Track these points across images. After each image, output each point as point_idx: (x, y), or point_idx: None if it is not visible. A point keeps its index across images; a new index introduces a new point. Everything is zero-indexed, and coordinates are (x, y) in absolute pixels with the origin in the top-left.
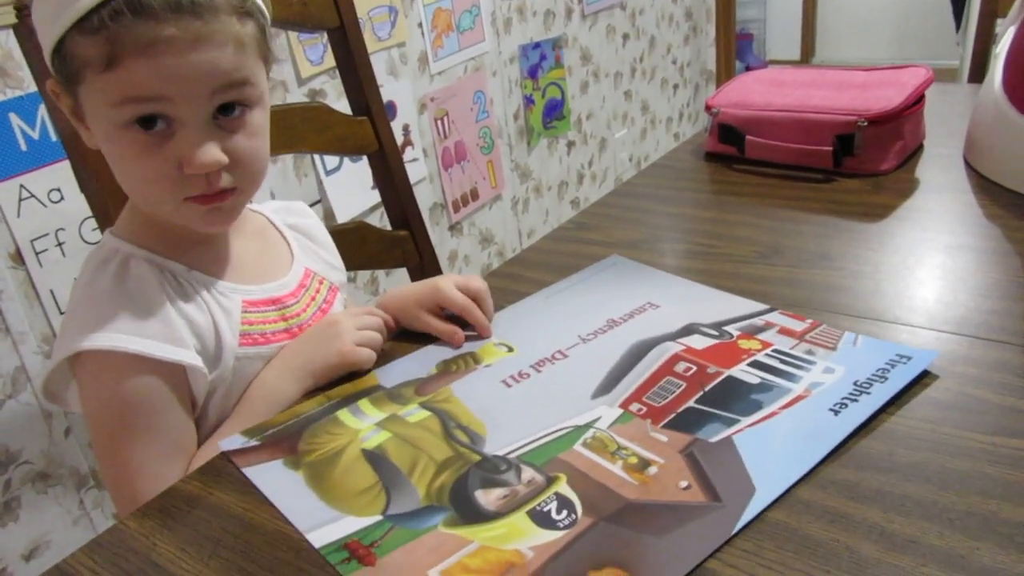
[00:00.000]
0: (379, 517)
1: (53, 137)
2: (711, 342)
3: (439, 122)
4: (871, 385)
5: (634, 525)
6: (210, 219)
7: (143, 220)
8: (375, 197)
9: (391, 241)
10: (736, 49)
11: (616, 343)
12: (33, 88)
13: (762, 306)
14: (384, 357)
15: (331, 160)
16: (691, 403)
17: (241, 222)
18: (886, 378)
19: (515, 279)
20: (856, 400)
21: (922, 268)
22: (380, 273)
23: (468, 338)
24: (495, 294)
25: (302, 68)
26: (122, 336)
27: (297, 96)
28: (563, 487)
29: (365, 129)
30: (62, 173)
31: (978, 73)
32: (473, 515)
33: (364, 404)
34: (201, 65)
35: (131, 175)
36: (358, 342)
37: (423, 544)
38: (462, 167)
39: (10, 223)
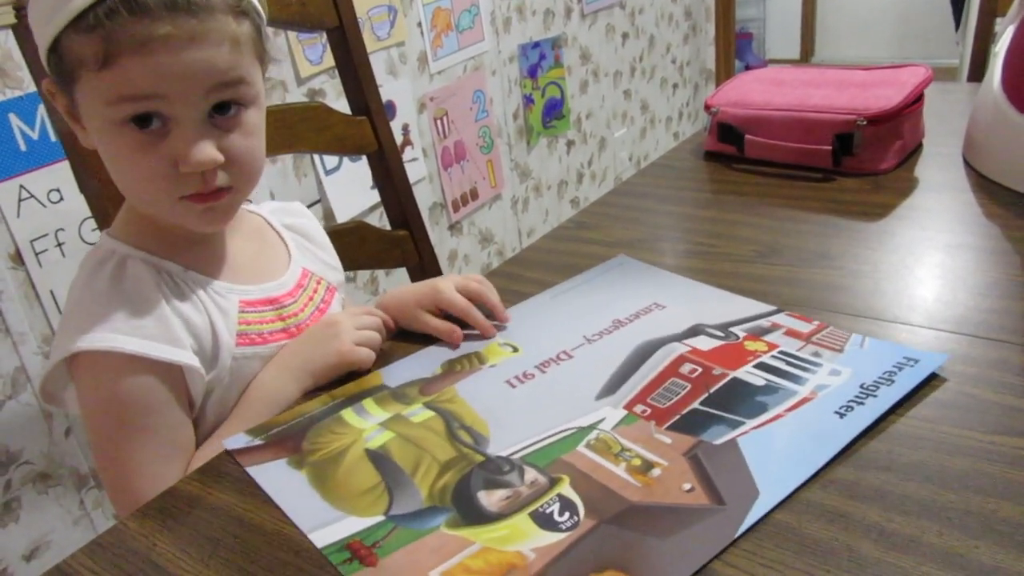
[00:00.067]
0: (381, 517)
1: (52, 137)
2: (717, 343)
3: (438, 122)
4: (877, 388)
5: (637, 527)
6: (206, 218)
7: (139, 221)
8: (375, 197)
9: (391, 241)
10: (736, 48)
11: (621, 344)
12: (32, 88)
13: (769, 307)
14: (384, 357)
15: (331, 160)
16: (696, 405)
17: (238, 222)
18: (893, 381)
19: (515, 279)
20: (862, 403)
21: (921, 267)
22: (380, 273)
23: (471, 338)
24: (497, 294)
25: (301, 68)
26: (119, 336)
27: (296, 96)
28: (566, 489)
29: (364, 129)
30: (61, 173)
31: (977, 72)
32: (475, 516)
33: (368, 404)
34: (197, 63)
35: (127, 174)
36: (357, 342)
37: (425, 545)
38: (462, 167)
39: (10, 223)
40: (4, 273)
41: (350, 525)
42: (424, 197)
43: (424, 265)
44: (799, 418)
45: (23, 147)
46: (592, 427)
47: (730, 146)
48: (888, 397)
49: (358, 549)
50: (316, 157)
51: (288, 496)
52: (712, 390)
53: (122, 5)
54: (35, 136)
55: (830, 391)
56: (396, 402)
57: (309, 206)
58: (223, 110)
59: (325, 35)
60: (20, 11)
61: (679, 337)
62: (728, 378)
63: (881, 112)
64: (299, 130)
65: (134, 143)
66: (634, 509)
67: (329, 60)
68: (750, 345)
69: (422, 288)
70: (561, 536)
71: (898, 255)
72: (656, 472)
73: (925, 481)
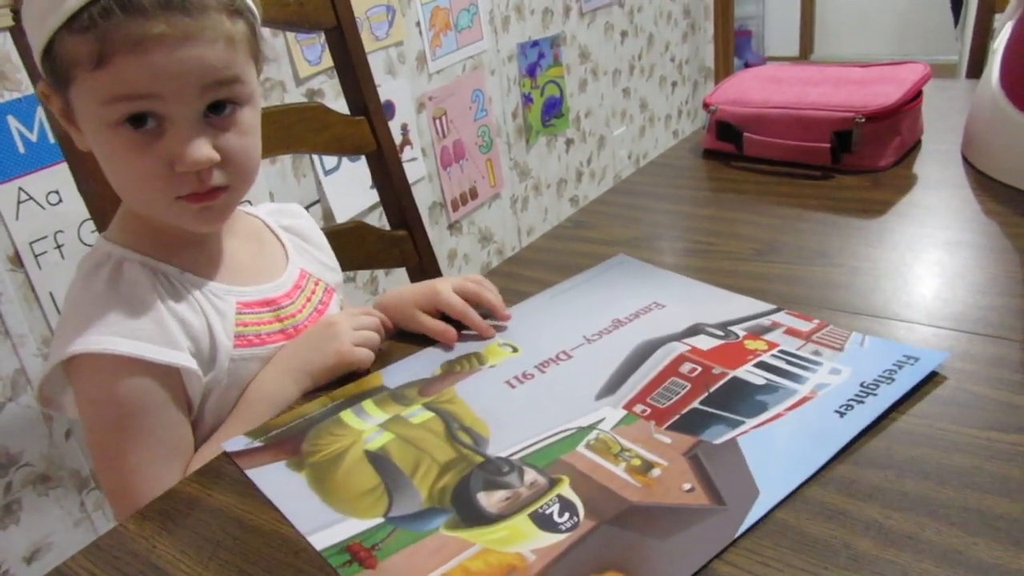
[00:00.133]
0: (381, 519)
1: (51, 139)
2: (717, 342)
3: (437, 121)
4: (878, 387)
5: (637, 528)
6: (202, 217)
7: (136, 223)
8: (374, 196)
9: (390, 241)
10: (735, 46)
11: (621, 343)
12: (31, 90)
13: (768, 306)
14: (382, 357)
15: (330, 160)
16: (696, 404)
17: (235, 224)
18: (893, 379)
19: (514, 278)
20: (862, 402)
21: (920, 264)
22: (379, 273)
23: (471, 338)
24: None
25: (300, 68)
26: (116, 339)
27: (295, 96)
28: (566, 489)
29: (363, 129)
30: (60, 175)
31: (976, 68)
32: (475, 517)
33: (368, 405)
34: (191, 62)
35: (122, 174)
36: (356, 342)
37: (425, 547)
38: (461, 166)
39: (9, 226)
40: (3, 275)
41: (350, 527)
42: (423, 197)
43: (423, 265)
44: (799, 417)
45: (22, 149)
46: (592, 427)
47: (729, 144)
48: (888, 396)
49: (358, 551)
50: (315, 157)
51: (287, 498)
52: (712, 389)
53: (116, 5)
54: (34, 138)
55: (830, 390)
56: (395, 403)
57: (308, 206)
58: (218, 109)
59: (323, 35)
60: (18, 13)
61: (679, 336)
62: (728, 377)
63: (880, 109)
64: (298, 130)
65: (129, 143)
66: (634, 509)
67: (327, 60)
68: (750, 344)
69: (421, 289)
70: (561, 537)
71: (897, 252)
72: (656, 472)
73: (923, 478)
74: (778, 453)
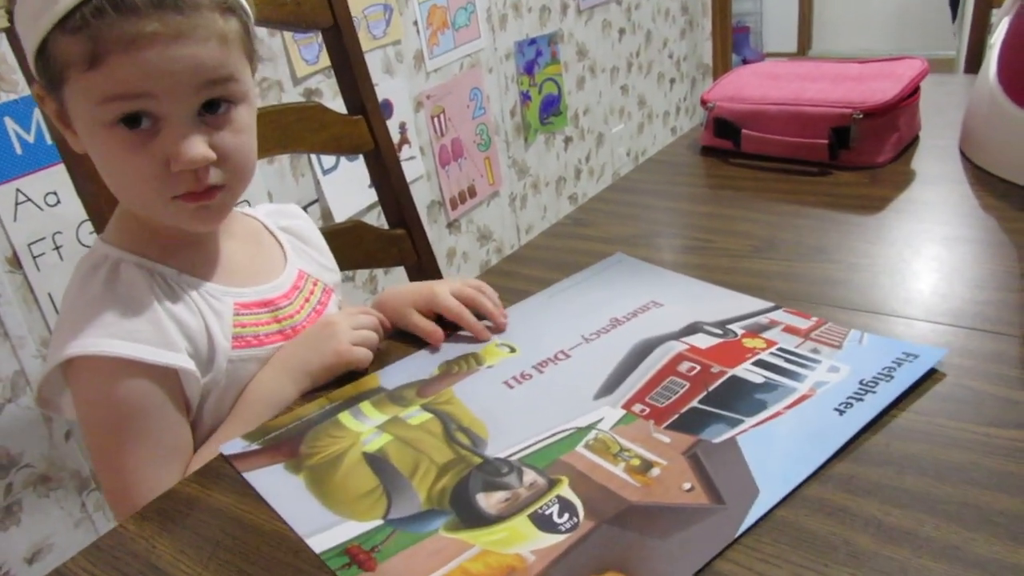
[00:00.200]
0: (380, 521)
1: (48, 140)
2: (715, 341)
3: (435, 120)
4: (877, 384)
5: (636, 528)
6: (199, 217)
7: (132, 225)
8: (373, 196)
9: (388, 240)
10: (733, 42)
11: (619, 343)
12: (27, 91)
13: (767, 304)
14: (381, 357)
15: (328, 159)
16: (694, 403)
17: (232, 225)
18: (892, 377)
19: (513, 276)
20: (861, 399)
21: (919, 260)
22: (379, 272)
23: (468, 339)
24: (494, 291)
25: (297, 67)
26: (114, 341)
27: (293, 95)
28: (565, 490)
29: (361, 128)
30: (58, 176)
31: (974, 63)
32: (474, 519)
33: (366, 406)
34: (184, 60)
35: (118, 175)
36: (354, 342)
37: (424, 549)
38: (459, 164)
39: (7, 227)
40: (2, 277)
41: (348, 529)
42: (422, 195)
43: (422, 264)
44: (798, 415)
45: (19, 151)
46: (591, 427)
47: (727, 141)
48: (887, 393)
49: (357, 554)
50: (313, 157)
51: (286, 501)
52: (711, 388)
53: (108, 4)
54: (31, 139)
55: (829, 388)
56: (393, 404)
57: (307, 206)
58: (213, 108)
59: (320, 35)
60: (12, 14)
61: (677, 335)
62: (727, 376)
63: (877, 105)
64: (295, 130)
65: (125, 143)
66: (634, 509)
67: (325, 60)
68: (748, 342)
69: (419, 289)
70: (561, 538)
71: (895, 248)
72: (655, 472)
73: (922, 474)
74: (777, 452)
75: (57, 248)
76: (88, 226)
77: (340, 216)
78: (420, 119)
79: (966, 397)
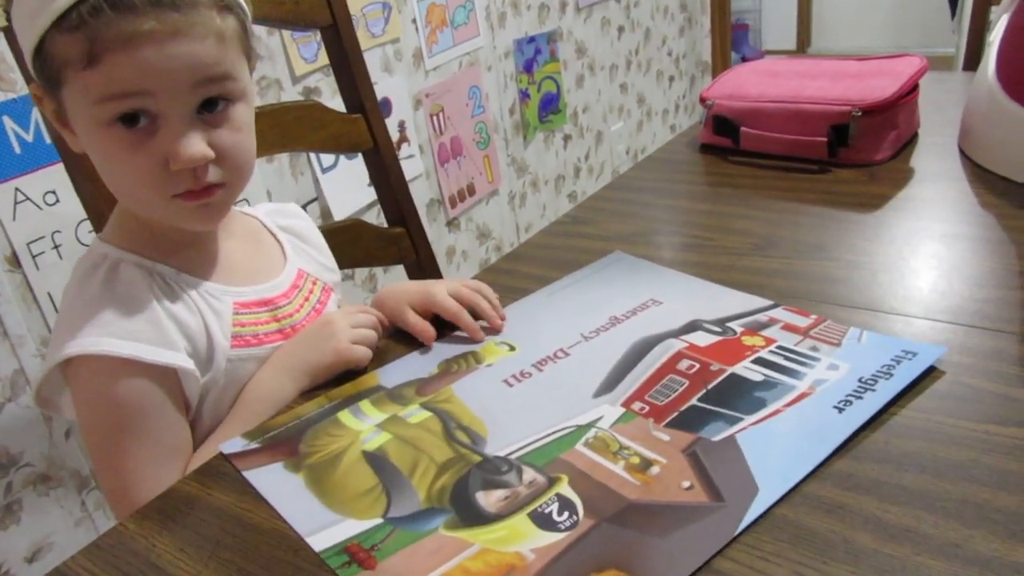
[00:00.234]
0: (380, 520)
1: (47, 140)
2: (714, 339)
3: (434, 118)
4: (876, 382)
5: (636, 526)
6: (199, 215)
7: (132, 224)
8: (372, 194)
9: (388, 238)
10: (732, 40)
11: (618, 341)
12: (26, 91)
13: (766, 302)
14: (380, 356)
15: (327, 158)
16: (694, 401)
17: (231, 224)
18: (891, 374)
19: (512, 274)
20: (861, 397)
21: (917, 258)
22: (378, 271)
23: (467, 338)
24: (493, 290)
25: (296, 66)
26: (113, 340)
27: (291, 94)
28: (564, 488)
29: (360, 127)
30: (57, 176)
31: (973, 61)
32: (474, 517)
33: (365, 405)
34: (181, 57)
35: (117, 174)
36: (353, 340)
37: (424, 547)
38: (458, 163)
39: (6, 226)
40: (1, 276)
41: (348, 528)
42: (421, 194)
43: (421, 262)
44: (798, 413)
45: (18, 150)
46: (590, 425)
47: (726, 139)
48: (886, 391)
49: (356, 552)
50: (312, 155)
51: (285, 500)
52: (710, 386)
53: (106, 2)
54: (29, 139)
55: (828, 386)
56: (393, 403)
57: (306, 205)
58: (211, 106)
59: (319, 33)
60: (10, 13)
61: (676, 333)
62: (726, 374)
63: (876, 103)
64: (294, 129)
65: (123, 143)
66: (633, 508)
67: (324, 58)
68: (747, 340)
69: (417, 287)
70: (560, 536)
71: (894, 246)
72: (655, 470)
73: (921, 472)
74: (777, 449)
75: (56, 247)
76: (87, 225)
77: (339, 214)
78: (419, 117)
79: (965, 395)
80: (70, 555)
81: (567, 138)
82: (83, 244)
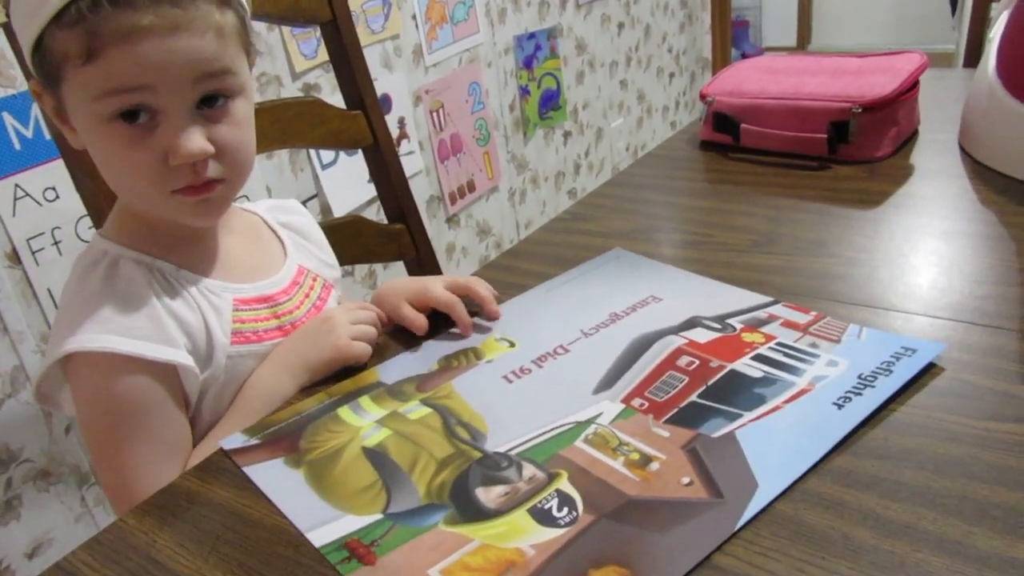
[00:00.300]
0: (379, 515)
1: (47, 136)
2: (714, 335)
3: (434, 114)
4: (875, 378)
5: (635, 522)
6: (199, 211)
7: (131, 221)
8: (372, 190)
9: (387, 235)
10: (732, 36)
11: (618, 337)
12: (26, 87)
13: (765, 298)
14: (379, 352)
15: (327, 154)
16: (693, 398)
17: (232, 220)
18: (891, 371)
19: (512, 271)
20: (860, 394)
21: (917, 255)
22: (378, 267)
23: (461, 336)
24: (493, 287)
25: (296, 62)
26: (112, 337)
27: (291, 90)
28: (564, 484)
29: (359, 123)
30: (57, 172)
31: (973, 57)
32: (474, 513)
33: (365, 401)
34: (181, 52)
35: (117, 170)
36: (353, 336)
37: (423, 543)
38: (458, 159)
39: (6, 222)
40: (1, 272)
41: (348, 524)
42: (421, 190)
43: (421, 258)
44: (797, 410)
45: (17, 146)
46: (590, 421)
47: (726, 135)
48: (886, 387)
49: (356, 548)
50: (312, 152)
51: (285, 495)
52: (710, 383)
53: None
54: (29, 135)
55: (828, 382)
56: (393, 399)
57: (306, 201)
58: (211, 102)
59: (319, 29)
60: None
61: (676, 330)
62: (726, 370)
63: (876, 99)
64: (294, 125)
65: (123, 138)
66: (633, 503)
67: (324, 54)
68: (747, 337)
69: (414, 283)
70: (560, 532)
71: (894, 243)
72: (654, 466)
73: (921, 468)
74: (776, 446)
75: (56, 243)
76: (87, 221)
77: (339, 211)
78: (419, 114)
79: (965, 391)
80: (70, 550)
81: (567, 134)
82: (83, 240)
